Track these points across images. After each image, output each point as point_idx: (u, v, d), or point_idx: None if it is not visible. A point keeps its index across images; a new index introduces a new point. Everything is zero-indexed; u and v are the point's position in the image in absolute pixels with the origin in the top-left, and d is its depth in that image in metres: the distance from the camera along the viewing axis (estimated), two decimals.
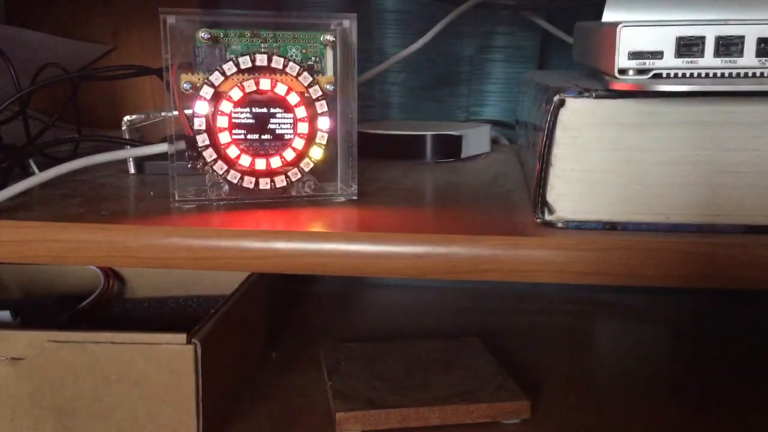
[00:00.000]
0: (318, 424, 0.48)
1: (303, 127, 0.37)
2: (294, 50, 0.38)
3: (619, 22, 0.31)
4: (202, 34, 0.36)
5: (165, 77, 0.36)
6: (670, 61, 0.31)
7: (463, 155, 0.56)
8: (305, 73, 0.37)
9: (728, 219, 0.32)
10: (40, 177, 0.39)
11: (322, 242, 0.32)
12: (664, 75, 0.31)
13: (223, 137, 0.36)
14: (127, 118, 0.49)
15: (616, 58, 0.31)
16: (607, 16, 0.33)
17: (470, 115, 0.73)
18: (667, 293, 0.75)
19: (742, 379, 0.55)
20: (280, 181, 0.38)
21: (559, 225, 0.33)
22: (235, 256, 0.32)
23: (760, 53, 0.30)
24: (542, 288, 0.75)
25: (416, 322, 0.68)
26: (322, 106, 0.38)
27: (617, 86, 0.31)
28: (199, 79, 0.36)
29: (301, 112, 0.37)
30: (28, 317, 0.51)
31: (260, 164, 0.37)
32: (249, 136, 0.37)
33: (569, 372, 0.57)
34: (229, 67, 0.36)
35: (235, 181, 0.37)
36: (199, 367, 0.43)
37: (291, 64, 0.37)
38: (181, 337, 0.43)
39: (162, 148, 0.42)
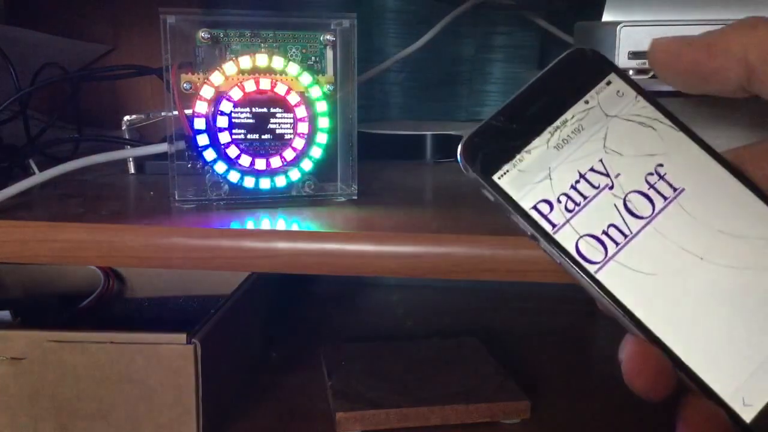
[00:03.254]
0: (318, 424, 0.48)
1: (303, 127, 0.37)
2: (294, 50, 0.38)
3: (619, 22, 0.31)
4: (202, 34, 0.36)
5: (165, 77, 0.35)
6: None
7: None
8: (305, 73, 0.37)
9: None
10: (40, 177, 0.39)
11: (322, 242, 0.32)
12: None
13: (223, 137, 0.36)
14: (127, 118, 0.49)
15: (616, 58, 0.31)
16: (607, 16, 0.33)
17: (470, 115, 0.73)
18: None
19: None
20: (280, 181, 0.38)
21: None
22: (235, 256, 0.32)
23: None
24: (542, 288, 0.75)
25: (416, 322, 0.68)
26: (322, 106, 0.38)
27: None
28: (199, 79, 0.36)
29: (301, 111, 0.37)
30: (28, 317, 0.51)
31: (260, 164, 0.37)
32: (249, 136, 0.37)
33: (569, 372, 0.57)
34: (229, 67, 0.36)
35: (235, 181, 0.37)
36: (199, 367, 0.43)
37: (291, 64, 0.37)
38: (181, 337, 0.43)
39: (162, 148, 0.42)
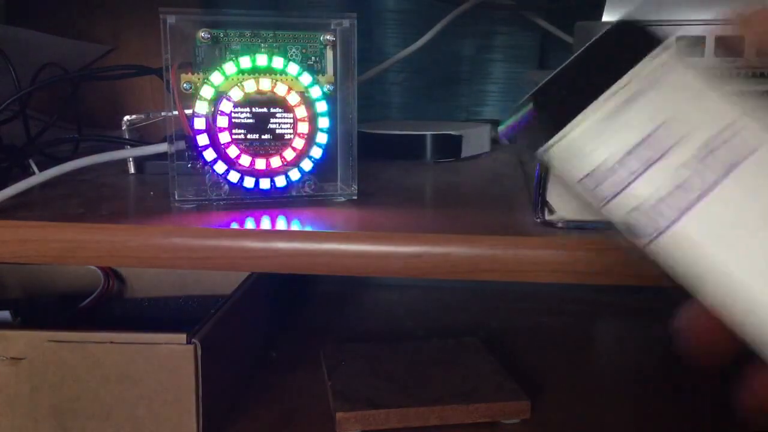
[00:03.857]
0: (318, 424, 0.48)
1: (303, 127, 0.37)
2: (294, 50, 0.38)
3: None
4: (202, 34, 0.36)
5: (165, 77, 0.36)
6: None
7: (463, 155, 0.56)
8: (305, 73, 0.37)
9: None
10: (40, 177, 0.39)
11: (322, 242, 0.32)
12: None
13: (223, 137, 0.36)
14: (127, 118, 0.49)
15: None
16: (607, 16, 0.33)
17: (470, 115, 0.73)
18: (667, 293, 0.75)
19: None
20: (280, 181, 0.38)
21: (560, 225, 0.33)
22: (235, 256, 0.32)
23: (760, 53, 0.30)
24: (542, 288, 0.75)
25: (416, 322, 0.68)
26: (322, 106, 0.38)
27: None
28: (199, 79, 0.36)
29: (301, 112, 0.37)
30: (28, 317, 0.51)
31: (260, 164, 0.37)
32: (249, 136, 0.37)
33: (569, 372, 0.57)
34: (229, 67, 0.36)
35: (235, 181, 0.37)
36: (199, 367, 0.43)
37: (291, 64, 0.37)
38: (181, 337, 0.43)
39: (162, 148, 0.42)
